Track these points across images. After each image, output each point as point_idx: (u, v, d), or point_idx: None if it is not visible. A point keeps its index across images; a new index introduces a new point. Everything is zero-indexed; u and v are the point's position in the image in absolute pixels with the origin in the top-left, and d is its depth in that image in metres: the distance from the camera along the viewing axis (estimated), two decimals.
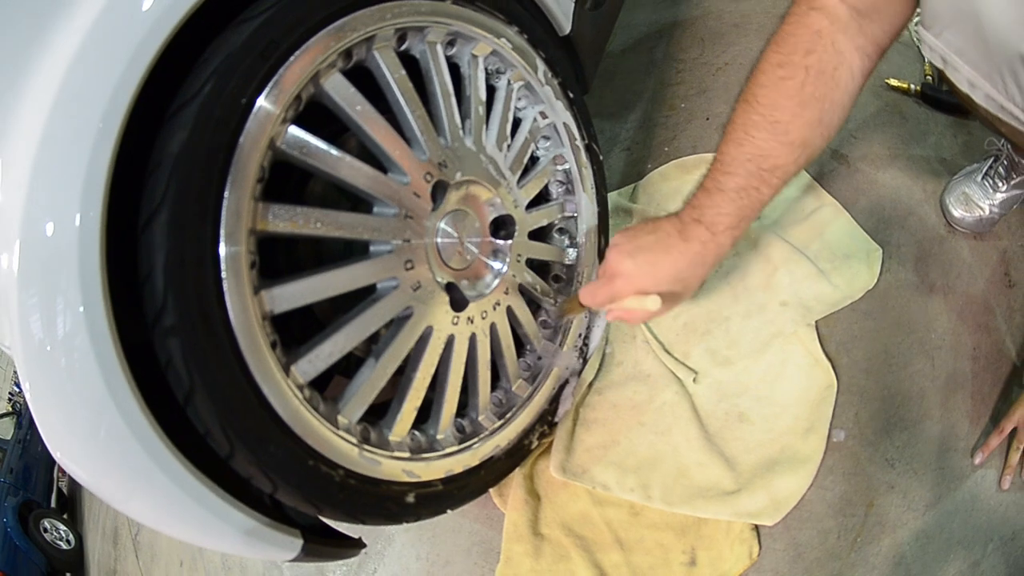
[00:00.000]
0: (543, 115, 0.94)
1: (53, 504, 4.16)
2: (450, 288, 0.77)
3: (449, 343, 0.77)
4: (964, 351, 0.94)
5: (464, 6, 0.77)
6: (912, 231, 1.05)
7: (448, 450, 0.79)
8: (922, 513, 0.83)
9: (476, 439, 0.83)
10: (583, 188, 0.99)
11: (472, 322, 0.79)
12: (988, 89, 0.61)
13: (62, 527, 3.71)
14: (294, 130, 0.61)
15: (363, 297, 0.69)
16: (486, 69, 0.85)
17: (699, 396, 0.98)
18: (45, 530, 3.57)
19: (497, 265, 0.84)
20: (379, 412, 0.74)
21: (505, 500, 0.97)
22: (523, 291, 0.88)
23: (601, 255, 1.00)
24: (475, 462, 0.82)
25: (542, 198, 0.97)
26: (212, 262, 0.53)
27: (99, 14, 0.51)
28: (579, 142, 0.98)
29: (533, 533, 0.93)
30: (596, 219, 1.01)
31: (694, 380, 0.99)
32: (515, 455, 0.90)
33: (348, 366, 0.81)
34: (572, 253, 1.00)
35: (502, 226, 0.86)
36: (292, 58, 0.58)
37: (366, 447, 0.68)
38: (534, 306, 0.94)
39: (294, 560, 0.66)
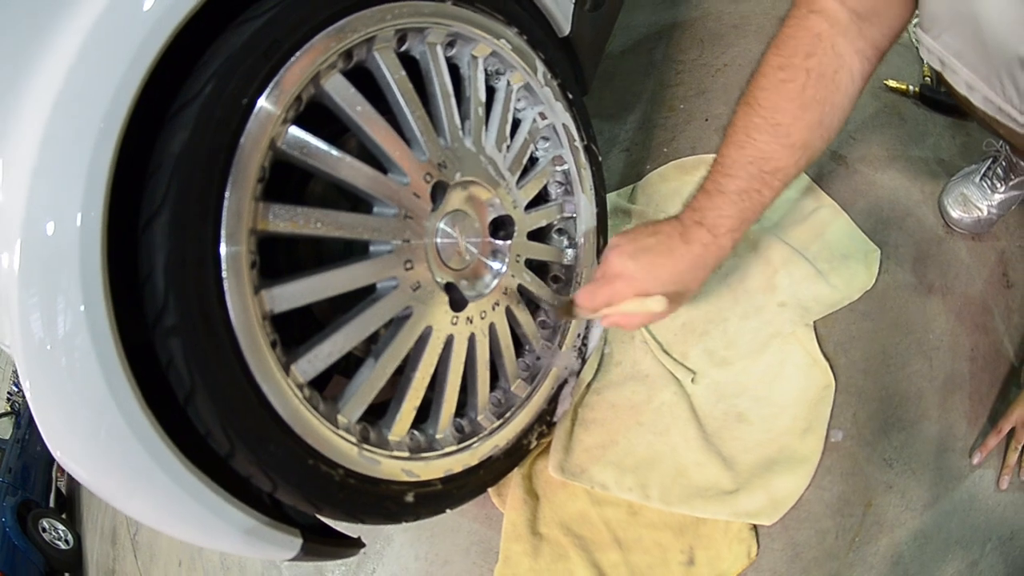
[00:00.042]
0: (542, 116, 0.94)
1: (52, 504, 4.16)
2: (449, 288, 0.77)
3: (448, 343, 0.77)
4: (962, 351, 0.94)
5: (464, 7, 0.77)
6: (910, 232, 1.05)
7: (447, 450, 0.79)
8: (920, 513, 0.84)
9: (475, 439, 0.83)
10: (582, 189, 0.99)
11: (471, 322, 0.80)
12: (986, 91, 0.61)
13: (60, 527, 3.71)
14: (295, 130, 0.61)
15: (362, 297, 0.69)
16: (486, 70, 0.85)
17: (697, 396, 0.98)
18: (43, 530, 3.56)
19: (496, 265, 0.84)
20: (378, 412, 0.74)
21: (504, 500, 0.97)
22: (522, 291, 0.88)
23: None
24: (474, 462, 0.82)
25: (541, 199, 0.97)
26: (213, 262, 0.54)
27: (100, 14, 0.51)
28: (578, 143, 0.98)
29: (532, 533, 0.93)
30: (595, 220, 1.02)
31: (692, 380, 0.99)
32: (514, 455, 0.90)
33: (347, 366, 0.81)
34: (571, 254, 1.00)
35: (501, 226, 0.86)
36: (293, 59, 0.59)
37: (365, 446, 0.69)
38: (533, 306, 0.94)
39: (293, 559, 0.67)
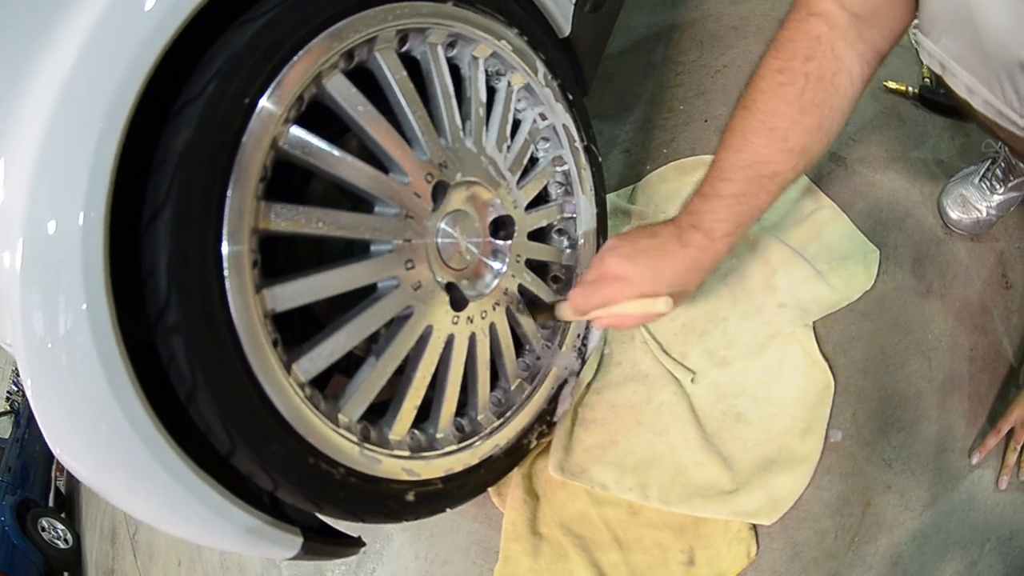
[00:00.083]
0: (543, 117, 0.94)
1: (51, 503, 4.16)
2: (450, 288, 0.77)
3: (449, 342, 0.77)
4: (961, 352, 0.95)
5: (464, 8, 0.77)
6: (909, 233, 1.06)
7: (448, 449, 0.79)
8: (919, 513, 0.84)
9: (475, 438, 0.83)
10: (582, 189, 1.00)
11: (472, 322, 0.80)
12: (986, 95, 0.61)
13: (60, 526, 3.71)
14: (296, 130, 0.61)
15: (363, 296, 0.69)
16: (486, 71, 0.85)
17: (697, 396, 0.98)
18: (43, 529, 3.56)
19: (497, 265, 0.84)
20: (379, 411, 0.74)
21: (504, 499, 0.97)
22: (522, 291, 0.89)
23: None
24: (474, 461, 0.82)
25: (541, 199, 0.97)
26: (215, 260, 0.54)
27: (102, 14, 0.51)
28: (578, 144, 0.98)
29: (532, 532, 0.93)
30: (595, 220, 1.02)
31: (692, 380, 0.99)
32: (514, 454, 0.90)
33: (348, 365, 0.81)
34: (571, 254, 1.00)
35: (502, 226, 0.86)
36: (295, 59, 0.59)
37: (366, 445, 0.69)
38: (533, 306, 0.94)
39: (294, 558, 0.67)
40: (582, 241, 1.00)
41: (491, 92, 0.87)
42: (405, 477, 0.73)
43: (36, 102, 0.49)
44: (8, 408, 4.70)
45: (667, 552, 0.87)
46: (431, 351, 0.75)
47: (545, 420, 0.95)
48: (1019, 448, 0.85)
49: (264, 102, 0.57)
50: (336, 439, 0.65)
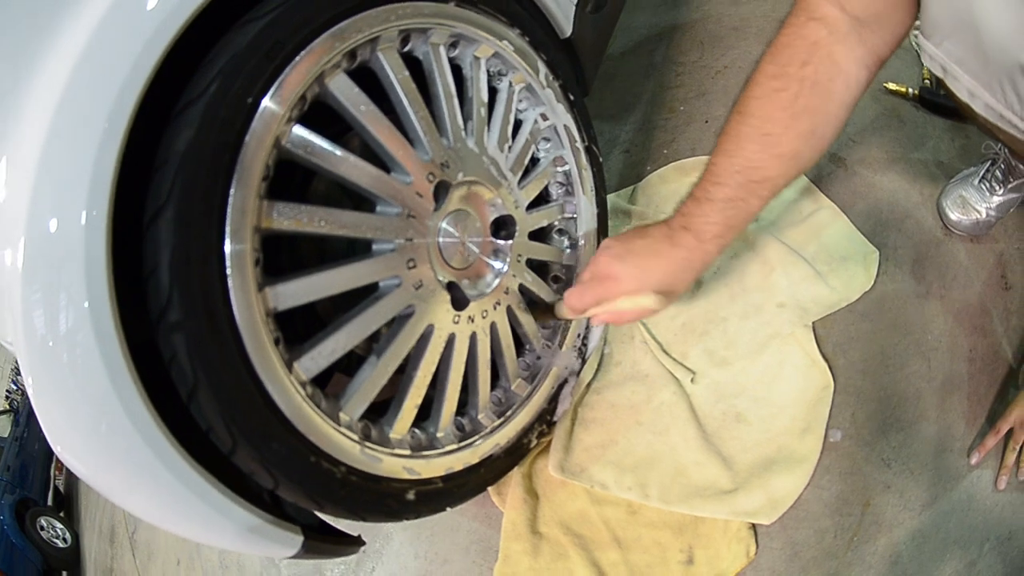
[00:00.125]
0: (544, 117, 0.94)
1: (50, 502, 4.15)
2: (451, 287, 0.77)
3: (450, 342, 0.77)
4: (960, 353, 0.95)
5: (466, 8, 0.78)
6: (909, 234, 1.06)
7: (448, 448, 0.79)
8: (918, 513, 0.84)
9: (476, 437, 0.83)
10: (583, 190, 1.00)
11: (472, 321, 0.80)
12: (987, 98, 0.61)
13: (58, 525, 3.71)
14: (299, 129, 0.61)
15: (364, 295, 0.69)
16: (488, 71, 0.85)
17: (697, 396, 0.98)
18: (41, 528, 3.56)
19: (498, 265, 0.84)
20: (380, 410, 0.74)
21: (504, 499, 0.97)
22: (523, 291, 0.89)
23: None
24: (475, 460, 0.83)
25: (542, 199, 0.98)
26: (217, 259, 0.54)
27: (105, 13, 0.51)
28: (579, 144, 0.99)
29: (531, 532, 0.94)
30: (595, 220, 1.02)
31: (692, 380, 0.99)
32: (514, 454, 0.90)
33: (348, 364, 0.81)
34: (571, 254, 1.00)
35: (503, 226, 0.87)
36: (297, 58, 0.59)
37: (367, 444, 0.69)
38: (534, 305, 0.94)
39: (294, 557, 0.67)
40: (583, 241, 1.00)
41: (493, 92, 0.87)
42: (406, 476, 0.73)
43: (38, 102, 0.50)
44: (7, 407, 4.70)
45: (666, 551, 0.87)
46: (432, 350, 0.75)
47: (545, 419, 0.95)
48: (1018, 448, 0.86)
49: (267, 102, 0.57)
50: (337, 437, 0.65)
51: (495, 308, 0.83)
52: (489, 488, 0.95)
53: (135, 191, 0.53)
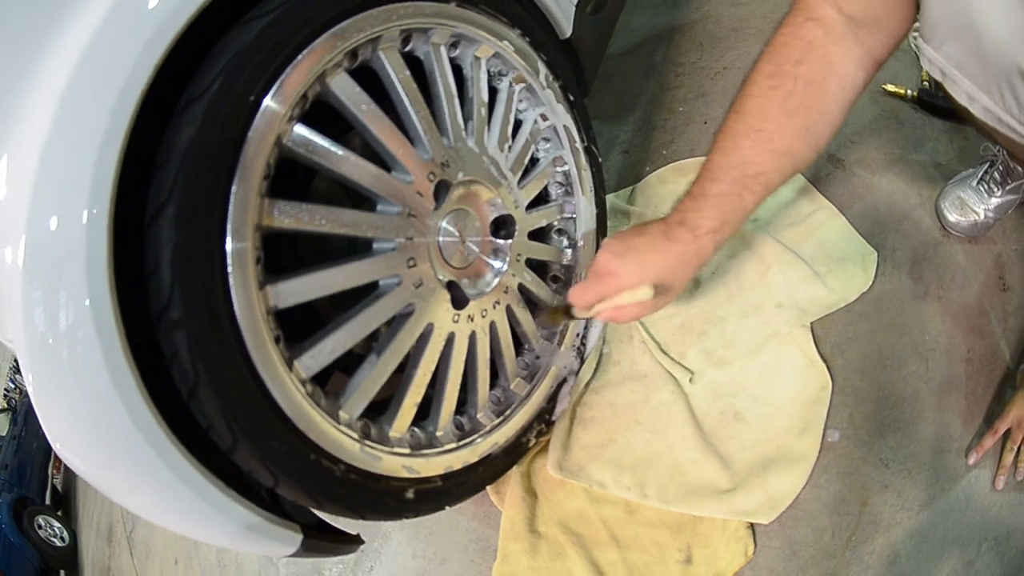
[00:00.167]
0: (544, 117, 0.94)
1: (48, 501, 4.14)
2: (451, 286, 0.78)
3: (449, 340, 0.77)
4: (958, 353, 0.95)
5: (467, 8, 0.78)
6: (907, 235, 1.06)
7: (447, 447, 0.79)
8: (916, 512, 0.84)
9: (475, 436, 0.83)
10: (582, 190, 1.00)
11: (472, 320, 0.80)
12: (986, 102, 0.61)
13: (56, 524, 3.70)
14: (300, 128, 0.61)
15: (364, 294, 0.69)
16: (488, 71, 0.86)
17: (695, 396, 0.99)
18: (39, 527, 3.55)
19: (497, 264, 0.85)
20: (379, 408, 0.74)
21: (502, 498, 0.98)
22: (522, 291, 0.89)
23: None
24: (474, 459, 0.83)
25: (542, 199, 0.98)
26: (219, 257, 0.54)
27: (107, 11, 0.51)
28: (579, 144, 0.99)
29: (530, 531, 0.94)
30: (594, 221, 1.02)
31: (690, 380, 1.00)
32: (513, 453, 0.91)
33: (348, 362, 0.81)
34: (570, 254, 1.01)
35: (502, 226, 0.87)
36: (299, 57, 0.59)
37: (367, 442, 0.69)
38: (532, 305, 0.95)
39: (293, 555, 0.67)
40: (582, 241, 1.00)
41: (493, 92, 0.87)
42: (405, 474, 0.73)
43: (40, 100, 0.50)
44: (5, 405, 4.69)
45: (665, 550, 0.88)
46: (432, 349, 0.75)
47: (544, 419, 0.96)
48: (1016, 448, 0.86)
49: (268, 100, 0.57)
50: (337, 436, 0.65)
51: (494, 307, 0.84)
52: (488, 487, 0.95)
53: (135, 188, 0.53)
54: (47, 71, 0.50)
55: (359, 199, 0.70)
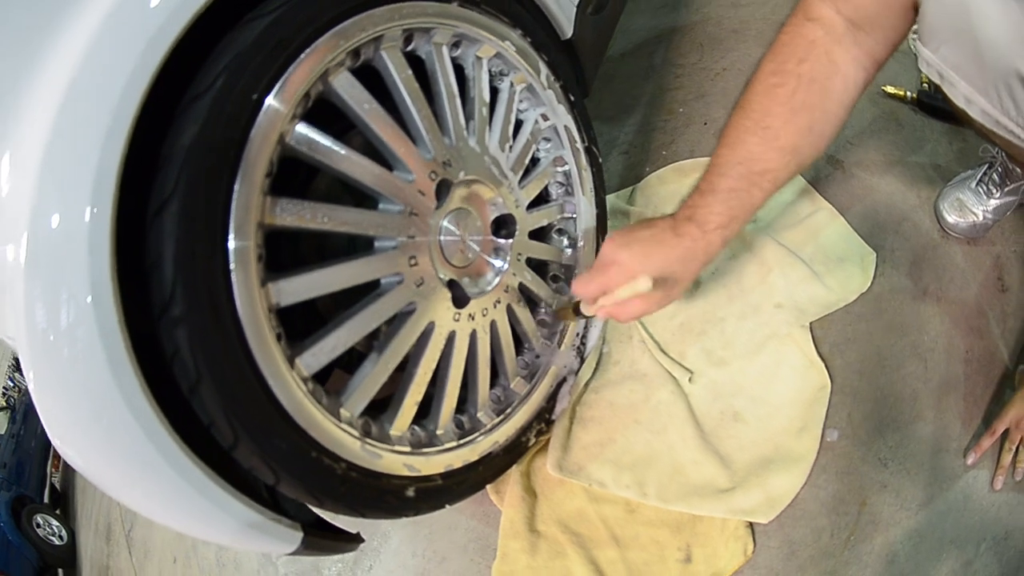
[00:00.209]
0: (544, 117, 0.95)
1: (46, 499, 4.13)
2: (452, 285, 0.78)
3: (450, 339, 0.78)
4: (957, 354, 0.96)
5: (469, 8, 0.78)
6: (906, 236, 1.06)
7: (447, 445, 0.79)
8: (915, 512, 0.85)
9: (475, 435, 0.83)
10: (582, 190, 1.00)
11: (473, 319, 0.80)
12: (984, 104, 0.62)
13: (55, 523, 3.69)
14: (303, 127, 0.61)
15: (365, 293, 0.70)
16: (490, 71, 0.86)
17: (694, 395, 0.99)
18: (38, 525, 3.54)
19: (498, 263, 0.85)
20: (379, 407, 0.74)
21: (502, 497, 0.98)
22: (522, 290, 0.89)
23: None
24: (474, 458, 0.83)
25: (542, 199, 0.98)
26: (222, 253, 0.54)
27: (111, 8, 0.51)
28: (579, 144, 0.99)
29: (529, 530, 0.94)
30: (595, 220, 1.02)
31: (690, 380, 1.00)
32: (513, 452, 0.91)
33: (349, 361, 0.82)
34: (570, 253, 1.01)
35: (503, 225, 0.87)
36: (302, 56, 0.59)
37: (368, 440, 0.69)
38: (533, 304, 0.95)
39: (293, 553, 0.67)
40: (582, 241, 1.01)
41: (494, 92, 0.87)
42: (405, 473, 0.73)
43: (43, 98, 0.50)
44: (4, 404, 4.68)
45: (664, 550, 0.88)
46: (433, 347, 0.75)
47: (544, 418, 0.96)
48: (1014, 449, 0.86)
49: (271, 99, 0.57)
50: (338, 434, 0.65)
51: (495, 306, 0.84)
52: (488, 486, 0.95)
53: (136, 185, 0.53)
54: (50, 69, 0.50)
55: (360, 198, 0.70)
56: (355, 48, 0.65)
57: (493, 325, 0.84)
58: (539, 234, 0.96)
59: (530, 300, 0.93)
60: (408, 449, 0.74)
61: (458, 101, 0.79)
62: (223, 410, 0.55)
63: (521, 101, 0.91)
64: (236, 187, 0.55)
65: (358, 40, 0.65)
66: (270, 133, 0.57)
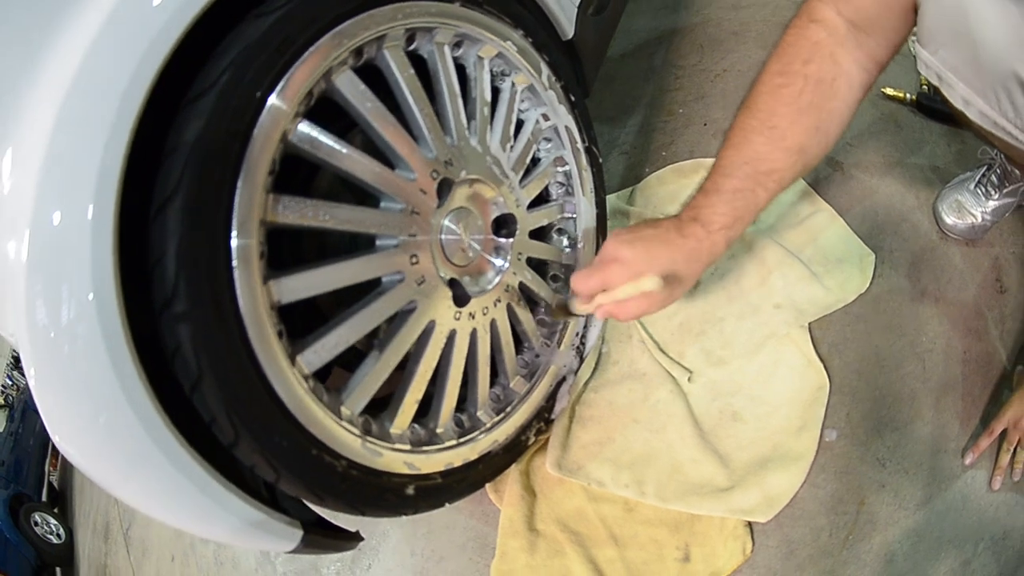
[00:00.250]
0: (545, 117, 0.95)
1: (44, 498, 4.13)
2: (452, 284, 0.78)
3: (451, 338, 0.78)
4: (955, 354, 0.96)
5: (471, 9, 0.78)
6: (905, 237, 1.07)
7: (447, 444, 0.80)
8: (913, 512, 0.85)
9: (475, 433, 0.84)
10: (583, 190, 1.00)
11: (473, 317, 0.80)
12: (982, 106, 0.62)
13: (53, 521, 3.69)
14: (305, 125, 0.62)
15: (366, 291, 0.70)
16: (491, 71, 0.86)
17: (693, 395, 0.99)
18: (36, 524, 3.54)
19: (499, 262, 0.85)
20: (380, 405, 0.74)
21: (501, 496, 0.98)
22: (522, 289, 0.89)
23: None
24: (473, 456, 0.83)
25: (542, 199, 0.98)
26: (224, 250, 0.54)
27: (115, 5, 0.51)
28: (580, 145, 0.99)
29: (528, 529, 0.94)
30: (595, 221, 1.03)
31: (689, 379, 1.00)
32: (512, 450, 0.91)
33: (349, 359, 0.82)
34: (570, 253, 1.01)
35: (504, 224, 0.87)
36: (306, 54, 0.59)
37: (368, 438, 0.69)
38: (533, 304, 0.95)
39: (293, 551, 0.67)
40: (581, 241, 1.01)
41: (495, 92, 0.87)
42: (405, 471, 0.73)
43: (45, 94, 0.50)
44: (2, 402, 4.67)
45: (663, 549, 0.88)
46: (433, 346, 0.76)
47: (543, 417, 0.96)
48: (1012, 449, 0.87)
49: (275, 97, 0.57)
50: (339, 431, 0.66)
51: (495, 305, 0.84)
52: (487, 485, 0.95)
53: (137, 181, 0.53)
54: (53, 66, 0.50)
55: (362, 196, 0.71)
56: (358, 47, 0.66)
57: (493, 324, 0.84)
58: (539, 234, 0.97)
59: (530, 299, 0.93)
60: (408, 447, 0.74)
61: (460, 101, 0.79)
62: (224, 407, 0.55)
63: (522, 101, 0.92)
64: (239, 184, 0.55)
65: (361, 39, 0.65)
66: (273, 131, 0.57)
